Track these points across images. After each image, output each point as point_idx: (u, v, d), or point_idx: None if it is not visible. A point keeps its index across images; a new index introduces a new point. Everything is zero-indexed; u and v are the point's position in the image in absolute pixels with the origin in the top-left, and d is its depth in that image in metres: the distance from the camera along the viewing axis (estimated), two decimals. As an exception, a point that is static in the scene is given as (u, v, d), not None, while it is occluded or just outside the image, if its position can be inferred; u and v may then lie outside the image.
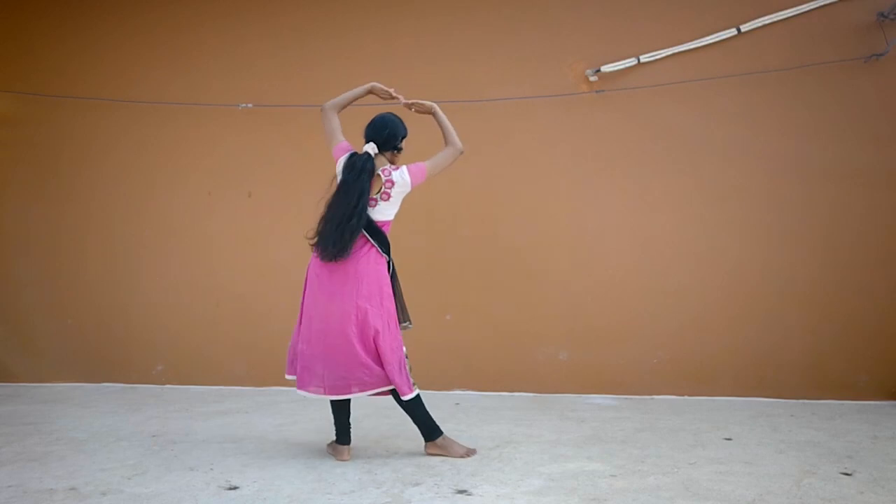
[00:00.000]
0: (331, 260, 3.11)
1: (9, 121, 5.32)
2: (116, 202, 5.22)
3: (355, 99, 3.38)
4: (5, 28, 5.32)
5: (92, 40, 5.27)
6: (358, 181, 3.13)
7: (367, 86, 3.37)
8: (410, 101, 3.41)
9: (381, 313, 3.16)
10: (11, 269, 5.28)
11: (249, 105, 5.07)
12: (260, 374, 5.02)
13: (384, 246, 3.22)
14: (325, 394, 3.15)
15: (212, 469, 3.04)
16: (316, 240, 3.16)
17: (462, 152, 3.39)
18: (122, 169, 5.23)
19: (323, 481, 2.87)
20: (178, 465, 3.09)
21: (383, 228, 3.24)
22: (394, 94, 3.38)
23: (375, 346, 3.13)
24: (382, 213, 3.23)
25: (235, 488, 2.78)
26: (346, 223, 3.08)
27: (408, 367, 3.21)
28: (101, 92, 5.18)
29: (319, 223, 3.17)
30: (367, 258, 3.16)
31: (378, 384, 3.14)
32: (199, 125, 5.15)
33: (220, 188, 5.16)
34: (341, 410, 3.25)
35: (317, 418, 4.01)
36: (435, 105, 3.39)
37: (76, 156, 5.26)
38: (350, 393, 3.15)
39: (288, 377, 3.32)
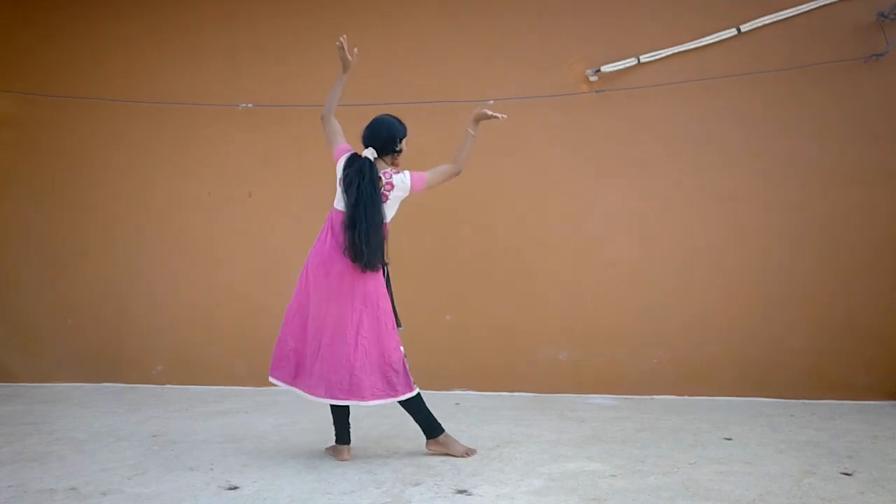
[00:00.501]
0: (376, 269, 3.13)
1: (10, 121, 5.32)
2: (117, 202, 5.22)
3: (341, 89, 3.34)
4: (7, 29, 5.32)
5: (94, 41, 5.27)
6: (376, 189, 3.13)
7: (341, 73, 3.33)
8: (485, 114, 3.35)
9: (379, 315, 3.17)
10: (11, 269, 5.28)
11: (249, 105, 5.07)
12: (260, 374, 4.95)
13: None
14: (308, 393, 3.14)
15: (212, 469, 3.04)
16: (361, 250, 3.09)
17: (459, 174, 3.38)
18: (122, 169, 5.23)
19: (323, 481, 2.87)
20: (178, 465, 3.09)
21: (383, 231, 3.24)
22: (342, 42, 3.26)
23: (372, 348, 3.13)
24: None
25: (235, 488, 2.78)
26: (382, 232, 3.13)
27: (407, 367, 3.21)
28: (103, 92, 5.18)
29: (355, 234, 3.09)
30: None
31: (361, 396, 3.10)
32: (200, 125, 5.15)
33: (220, 188, 5.16)
34: (340, 410, 3.25)
35: (317, 418, 4.01)
36: (478, 123, 3.39)
37: (77, 156, 5.26)
38: (333, 398, 3.11)
39: (271, 379, 3.27)
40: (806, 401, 4.54)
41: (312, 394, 3.14)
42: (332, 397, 3.12)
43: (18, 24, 5.31)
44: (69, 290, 5.23)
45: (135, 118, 5.20)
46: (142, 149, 5.22)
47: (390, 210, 3.26)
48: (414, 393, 3.18)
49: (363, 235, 3.08)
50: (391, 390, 3.15)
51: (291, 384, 3.21)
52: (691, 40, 4.70)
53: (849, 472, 2.96)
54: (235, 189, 5.14)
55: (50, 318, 5.23)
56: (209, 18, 5.21)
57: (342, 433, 3.26)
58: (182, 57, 5.21)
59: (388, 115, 3.33)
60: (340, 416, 3.26)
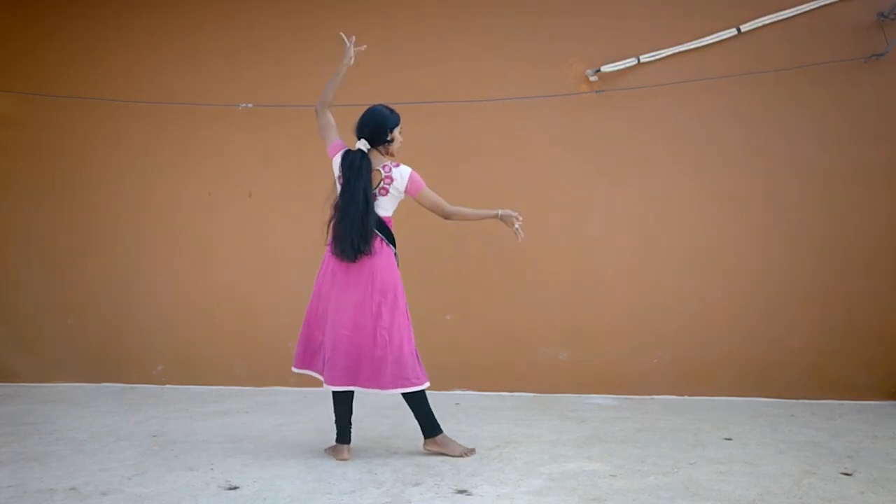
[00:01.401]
0: (352, 260, 3.15)
1: (10, 121, 5.32)
2: (117, 202, 5.22)
3: (339, 81, 3.32)
4: (7, 29, 5.32)
5: (94, 41, 5.27)
6: (360, 180, 3.17)
7: (343, 63, 3.31)
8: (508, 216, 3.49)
9: (398, 304, 3.20)
10: (11, 269, 5.28)
11: (249, 105, 5.07)
12: (260, 374, 5.02)
13: (391, 240, 3.26)
14: (328, 382, 3.17)
15: (212, 469, 3.04)
16: (333, 242, 3.19)
17: (445, 217, 3.38)
18: (122, 169, 5.23)
19: (323, 481, 2.87)
20: (178, 465, 3.09)
21: (388, 223, 3.27)
22: (346, 41, 3.33)
23: (390, 338, 3.15)
24: (383, 208, 3.25)
25: (235, 488, 2.78)
26: (360, 223, 3.13)
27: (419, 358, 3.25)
28: (103, 92, 5.18)
29: (331, 225, 3.20)
30: (381, 252, 3.20)
31: (381, 383, 3.14)
32: (200, 125, 5.15)
33: (220, 188, 5.16)
34: (344, 407, 3.26)
35: (317, 418, 4.01)
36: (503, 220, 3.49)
37: (77, 156, 5.26)
38: (357, 385, 3.16)
39: (294, 370, 3.33)
40: (806, 401, 4.54)
41: (334, 383, 3.16)
42: (354, 384, 3.16)
43: (18, 24, 5.30)
44: (69, 290, 5.23)
45: (135, 118, 5.20)
46: (142, 149, 5.22)
47: (391, 203, 3.27)
48: (423, 386, 3.20)
49: (343, 227, 3.14)
50: (409, 379, 3.16)
51: (320, 372, 3.25)
52: (691, 40, 4.70)
53: (849, 472, 2.96)
54: (235, 189, 5.14)
55: (50, 318, 5.23)
56: (209, 18, 5.21)
57: (343, 432, 3.26)
58: (182, 57, 5.21)
59: (379, 104, 3.32)
60: (343, 414, 3.26)
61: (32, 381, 5.19)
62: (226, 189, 5.15)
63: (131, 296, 5.19)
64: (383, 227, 3.24)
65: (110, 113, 5.20)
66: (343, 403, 3.26)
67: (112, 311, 5.20)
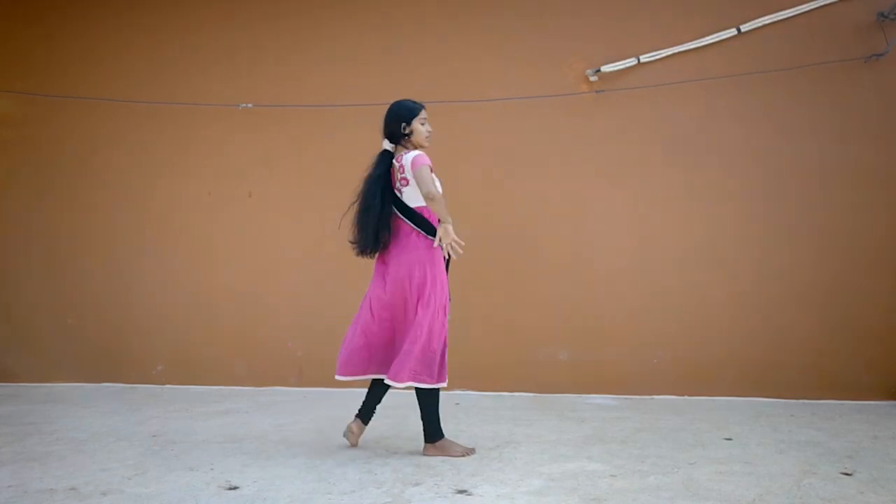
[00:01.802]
0: (368, 253, 3.22)
1: (11, 121, 5.32)
2: (117, 202, 5.22)
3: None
4: (7, 29, 5.32)
5: (94, 42, 5.28)
6: (368, 177, 3.23)
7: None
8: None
9: (434, 300, 3.17)
10: (12, 269, 5.28)
11: (249, 105, 5.07)
12: (260, 374, 5.02)
13: (429, 230, 3.20)
14: (362, 374, 3.24)
15: (212, 469, 3.04)
16: (352, 241, 3.26)
17: (427, 197, 3.11)
18: (123, 169, 5.23)
19: (323, 481, 2.87)
20: (178, 465, 3.09)
21: (423, 213, 3.22)
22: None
23: (420, 333, 3.14)
24: (412, 198, 3.22)
25: (235, 488, 2.78)
26: (362, 219, 3.20)
27: (445, 357, 3.23)
28: (103, 93, 5.19)
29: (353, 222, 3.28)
30: (417, 245, 3.19)
31: (399, 376, 3.14)
32: (200, 125, 5.15)
33: (220, 188, 5.16)
34: (378, 390, 3.31)
35: (317, 418, 4.01)
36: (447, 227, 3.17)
37: (78, 156, 5.26)
38: (387, 374, 3.18)
39: (338, 377, 3.29)
40: (806, 401, 4.54)
41: (364, 372, 3.24)
42: (381, 373, 3.22)
43: (18, 24, 5.31)
44: (69, 289, 5.23)
45: (135, 118, 5.20)
46: (142, 149, 5.22)
47: (418, 191, 3.18)
48: (442, 384, 3.20)
49: (354, 221, 3.24)
50: (420, 375, 3.15)
51: (354, 374, 3.27)
52: (691, 40, 4.70)
53: (849, 472, 2.96)
54: (235, 189, 5.15)
55: (50, 318, 5.23)
56: (209, 18, 5.21)
57: (366, 410, 3.33)
58: (182, 57, 5.21)
59: (396, 101, 3.31)
60: (374, 397, 3.32)
61: (32, 381, 5.19)
62: (226, 189, 5.16)
63: (131, 296, 5.19)
64: (419, 219, 3.19)
65: (110, 113, 5.20)
66: (378, 386, 3.30)
67: (112, 311, 5.20)
